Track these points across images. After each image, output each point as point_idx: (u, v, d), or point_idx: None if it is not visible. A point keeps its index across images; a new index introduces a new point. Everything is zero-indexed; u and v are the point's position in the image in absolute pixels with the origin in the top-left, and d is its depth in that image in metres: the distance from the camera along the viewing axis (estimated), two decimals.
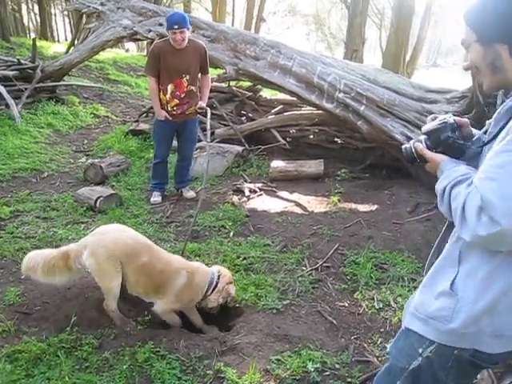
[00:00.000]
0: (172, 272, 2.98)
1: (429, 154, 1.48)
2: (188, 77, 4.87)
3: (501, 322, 1.35)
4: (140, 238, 3.11)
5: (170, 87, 4.86)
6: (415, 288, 3.48)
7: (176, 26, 4.61)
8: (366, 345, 2.91)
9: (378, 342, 2.94)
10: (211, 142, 6.75)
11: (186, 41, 4.75)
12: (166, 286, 2.95)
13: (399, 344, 1.57)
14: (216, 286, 3.01)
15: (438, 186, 1.40)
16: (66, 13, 24.48)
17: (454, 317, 1.37)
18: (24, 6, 25.18)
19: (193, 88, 4.96)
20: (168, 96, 4.90)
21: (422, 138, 1.53)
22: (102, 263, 2.89)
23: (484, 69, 1.37)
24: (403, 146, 1.60)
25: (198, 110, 5.11)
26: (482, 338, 1.37)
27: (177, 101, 4.93)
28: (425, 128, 1.53)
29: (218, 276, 3.05)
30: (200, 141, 6.51)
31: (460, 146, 1.45)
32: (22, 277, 3.55)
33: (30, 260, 2.98)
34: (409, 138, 5.20)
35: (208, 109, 4.97)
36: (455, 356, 1.41)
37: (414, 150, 1.53)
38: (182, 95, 4.92)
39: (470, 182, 1.28)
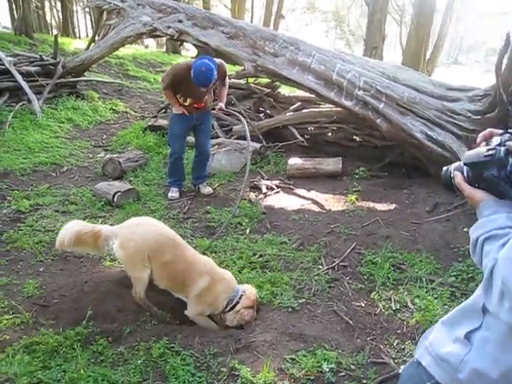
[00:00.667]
0: (195, 273, 3.00)
1: (467, 190, 1.27)
2: (207, 97, 5.08)
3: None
4: (168, 235, 3.15)
5: (188, 100, 5.02)
6: (433, 289, 3.43)
7: (203, 88, 4.74)
8: (382, 346, 2.87)
9: (395, 344, 2.90)
10: (229, 138, 6.76)
11: None
12: (190, 286, 2.98)
13: (410, 370, 1.49)
14: (235, 305, 3.00)
15: (472, 234, 1.23)
16: (87, 10, 24.73)
17: (461, 367, 1.24)
18: (47, 4, 25.52)
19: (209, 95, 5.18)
20: (186, 104, 5.05)
21: (465, 167, 1.28)
22: (131, 256, 3.01)
23: None
24: (443, 168, 1.38)
25: (219, 112, 5.16)
26: None
27: (195, 105, 5.09)
28: (466, 157, 1.27)
29: (241, 296, 3.03)
30: (218, 137, 6.52)
31: (506, 189, 1.17)
32: (41, 269, 3.62)
33: (64, 235, 3.09)
34: (429, 137, 5.12)
35: (244, 120, 5.17)
36: None
37: (452, 177, 1.32)
38: (200, 106, 5.13)
39: (505, 241, 1.10)
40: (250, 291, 3.11)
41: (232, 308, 3.01)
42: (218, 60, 4.87)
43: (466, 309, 1.32)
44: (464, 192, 1.29)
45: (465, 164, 1.26)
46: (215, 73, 4.58)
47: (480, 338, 1.22)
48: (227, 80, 5.25)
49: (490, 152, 1.17)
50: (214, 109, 5.34)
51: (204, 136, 5.33)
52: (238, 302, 3.01)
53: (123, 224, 3.25)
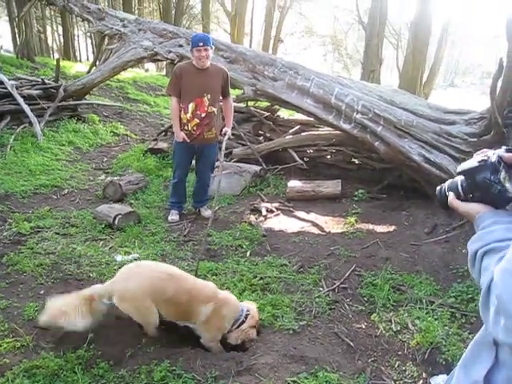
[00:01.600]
0: (199, 301, 2.99)
1: (461, 206, 1.24)
2: (209, 96, 4.93)
3: None
4: (163, 272, 3.07)
5: (190, 106, 4.92)
6: (433, 310, 3.44)
7: (201, 43, 4.74)
8: (383, 368, 2.87)
9: (396, 365, 2.90)
10: (229, 161, 6.82)
11: (209, 60, 4.86)
12: (195, 314, 2.96)
13: None
14: (241, 324, 3.03)
15: (469, 247, 1.17)
16: (88, 34, 25.15)
17: None
18: (49, 28, 25.94)
19: (214, 110, 5.01)
20: (189, 115, 4.94)
21: (459, 179, 1.27)
22: (134, 305, 2.94)
23: None
24: (437, 188, 1.36)
25: (225, 138, 5.06)
26: None
27: (197, 120, 4.96)
28: (461, 166, 1.26)
29: (246, 315, 3.06)
30: (218, 160, 6.57)
31: (501, 192, 1.14)
32: (41, 292, 3.61)
33: (49, 309, 2.95)
34: (426, 159, 5.18)
35: (229, 130, 5.06)
36: None
37: (446, 195, 1.30)
38: (203, 115, 4.95)
39: (503, 255, 1.03)
40: (253, 310, 3.14)
41: (238, 326, 3.02)
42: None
43: (478, 343, 1.20)
44: (458, 210, 1.26)
45: (459, 173, 1.26)
46: (212, 41, 4.92)
47: (499, 377, 1.08)
48: (231, 100, 5.29)
49: (483, 158, 1.19)
50: (220, 141, 5.33)
51: (205, 166, 5.35)
52: (243, 322, 3.02)
53: (114, 279, 3.11)
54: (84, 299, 2.98)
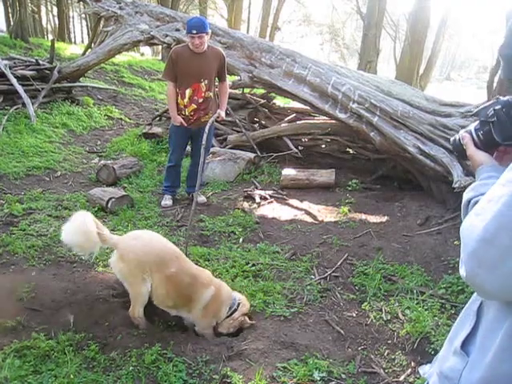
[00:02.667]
0: (200, 286, 2.98)
1: (471, 149, 1.28)
2: (206, 81, 4.89)
3: None
4: (169, 248, 3.08)
5: (188, 91, 4.89)
6: (423, 301, 3.47)
7: (194, 31, 4.64)
8: (372, 356, 2.90)
9: (385, 354, 2.93)
10: (224, 147, 6.80)
11: (205, 45, 4.79)
12: (195, 300, 2.95)
13: None
14: (234, 312, 3.03)
15: (464, 196, 1.22)
16: (83, 15, 24.82)
17: (460, 382, 1.15)
18: (43, 8, 25.54)
19: (210, 94, 4.98)
20: (186, 100, 4.92)
21: (472, 126, 1.30)
22: (132, 270, 2.90)
23: None
24: (451, 139, 1.39)
25: (218, 120, 5.10)
26: None
27: (194, 106, 4.94)
28: (477, 109, 1.29)
29: (238, 304, 3.07)
30: (213, 146, 6.55)
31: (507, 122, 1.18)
32: (33, 274, 3.60)
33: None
34: (421, 151, 5.19)
35: (222, 112, 5.01)
36: None
37: (460, 139, 1.33)
38: (200, 100, 4.93)
39: None
40: (243, 299, 3.15)
41: (230, 315, 3.03)
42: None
43: (463, 315, 1.26)
44: (468, 150, 1.30)
45: (474, 114, 1.30)
46: (208, 25, 4.79)
47: (477, 347, 1.13)
48: (227, 84, 5.25)
49: (496, 98, 1.24)
50: (216, 121, 5.32)
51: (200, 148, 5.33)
52: (235, 310, 3.03)
53: (122, 236, 3.14)
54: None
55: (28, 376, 2.51)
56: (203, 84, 4.89)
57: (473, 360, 1.13)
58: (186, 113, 4.97)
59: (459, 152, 1.36)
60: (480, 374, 1.09)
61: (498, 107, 1.22)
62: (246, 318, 3.08)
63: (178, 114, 4.97)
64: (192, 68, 4.81)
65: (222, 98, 5.18)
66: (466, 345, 1.16)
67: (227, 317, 3.03)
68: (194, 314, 3.00)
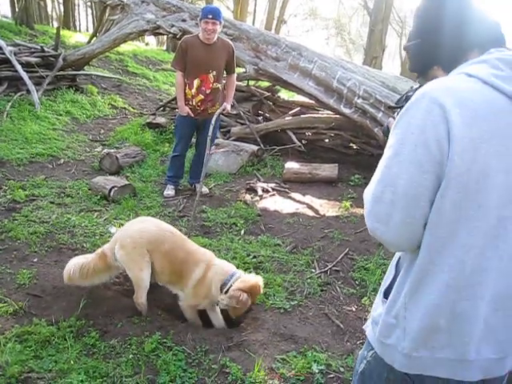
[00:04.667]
0: (192, 263, 2.98)
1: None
2: (214, 73, 4.90)
3: (409, 340, 1.21)
4: (164, 226, 3.16)
5: (196, 82, 4.90)
6: None
7: (210, 16, 4.66)
8: None
9: None
10: (227, 139, 6.80)
11: (216, 35, 4.79)
12: (187, 277, 2.96)
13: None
14: (229, 288, 2.89)
15: None
16: (89, 4, 24.69)
17: (380, 323, 1.29)
18: None
19: (219, 86, 5.00)
20: (194, 91, 4.93)
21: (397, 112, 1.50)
22: (130, 253, 2.96)
23: None
24: (382, 127, 1.59)
25: (224, 113, 5.11)
26: (394, 354, 1.24)
27: (202, 96, 4.95)
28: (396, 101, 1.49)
29: (236, 279, 2.91)
30: (217, 138, 6.53)
31: None
32: (35, 260, 3.62)
33: (69, 271, 3.08)
34: None
35: (228, 106, 5.00)
36: (388, 367, 1.27)
37: (389, 127, 1.49)
38: (208, 91, 4.94)
39: None
40: (249, 278, 2.97)
41: (226, 292, 2.88)
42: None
43: (388, 269, 1.40)
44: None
45: (390, 107, 1.48)
46: (222, 17, 4.83)
47: (392, 295, 1.26)
48: (235, 77, 5.26)
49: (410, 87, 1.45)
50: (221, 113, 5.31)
51: (206, 139, 5.32)
52: (231, 286, 2.87)
53: (121, 228, 3.26)
54: (99, 256, 3.07)
55: (28, 360, 2.52)
56: (211, 75, 4.89)
57: (388, 305, 1.26)
58: (194, 103, 4.98)
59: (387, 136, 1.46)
60: (393, 315, 1.24)
61: (410, 94, 1.40)
62: (243, 295, 2.81)
63: (186, 105, 4.98)
64: (201, 58, 4.81)
65: (228, 91, 5.18)
66: (387, 294, 1.30)
67: (225, 292, 2.88)
68: (185, 292, 2.99)
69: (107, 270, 3.10)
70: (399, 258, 1.33)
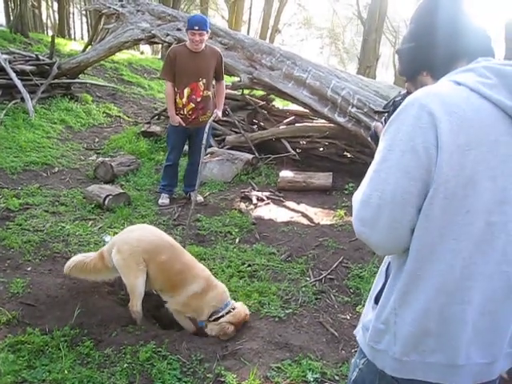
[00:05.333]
0: (191, 276, 3.00)
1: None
2: (204, 80, 4.93)
3: (399, 345, 1.22)
4: (163, 237, 3.17)
5: (186, 91, 4.91)
6: None
7: (196, 27, 4.68)
8: None
9: None
10: (222, 148, 6.82)
11: (204, 44, 4.82)
12: (181, 287, 2.97)
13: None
14: (220, 317, 2.95)
15: None
16: (83, 12, 24.78)
17: (370, 330, 1.30)
18: (43, 3, 25.49)
19: (209, 93, 5.02)
20: (184, 100, 4.94)
21: (384, 117, 1.52)
22: (126, 259, 2.97)
23: None
24: (369, 132, 1.57)
25: (215, 120, 5.13)
26: (385, 359, 1.25)
27: (193, 105, 4.97)
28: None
29: (229, 311, 2.96)
30: (211, 146, 6.56)
31: None
32: (29, 269, 3.60)
33: (72, 262, 3.18)
34: None
35: (219, 113, 5.03)
36: (380, 374, 1.28)
37: (375, 131, 1.51)
38: (198, 99, 4.96)
39: None
40: (241, 308, 3.04)
41: (216, 319, 2.95)
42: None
43: (377, 276, 1.42)
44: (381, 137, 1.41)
45: (377, 112, 1.49)
46: (209, 24, 4.85)
47: (381, 301, 1.27)
48: (224, 84, 5.28)
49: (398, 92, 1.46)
50: (214, 121, 5.33)
51: (199, 148, 5.34)
52: (223, 316, 2.94)
53: (120, 232, 3.29)
54: (98, 256, 3.12)
55: (22, 370, 2.51)
56: (201, 83, 4.92)
57: (378, 310, 1.27)
58: (185, 112, 4.99)
59: (376, 140, 1.44)
60: (383, 321, 1.24)
61: (398, 99, 1.46)
62: (230, 329, 2.93)
63: (177, 114, 5.00)
64: (190, 67, 4.83)
65: (218, 98, 5.20)
66: (377, 299, 1.31)
67: (214, 320, 2.96)
68: (176, 299, 3.00)
69: (105, 270, 3.14)
70: (389, 264, 1.34)
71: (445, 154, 1.07)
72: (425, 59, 1.30)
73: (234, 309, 3.01)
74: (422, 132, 1.10)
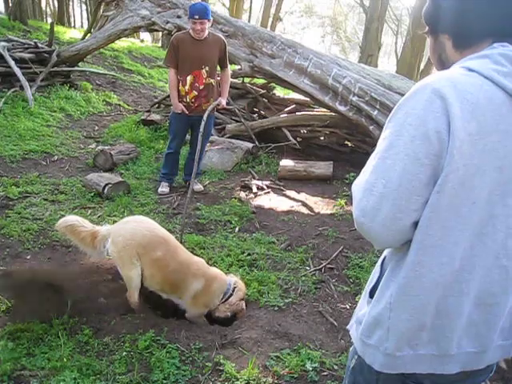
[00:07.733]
0: (189, 275, 2.98)
1: None
2: (207, 68, 4.88)
3: (392, 340, 1.20)
4: (159, 232, 3.09)
5: (189, 78, 4.88)
6: None
7: (197, 16, 4.63)
8: None
9: None
10: (222, 137, 6.78)
11: (206, 32, 4.77)
12: (183, 288, 2.97)
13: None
14: (229, 297, 3.02)
15: None
16: (83, 0, 24.57)
17: (363, 324, 1.28)
18: None
19: (212, 81, 4.97)
20: (187, 87, 4.90)
21: None
22: (120, 251, 2.95)
23: (436, 64, 1.33)
24: None
25: (219, 108, 5.09)
26: (375, 355, 1.23)
27: (195, 93, 4.93)
28: None
29: (234, 288, 3.05)
30: (212, 135, 6.52)
31: None
32: (28, 257, 3.60)
33: (68, 221, 3.08)
34: None
35: (223, 100, 4.99)
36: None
37: None
38: (201, 87, 4.92)
39: None
40: (239, 283, 3.14)
41: (226, 300, 3.02)
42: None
43: (373, 271, 1.39)
44: None
45: None
46: (210, 14, 4.76)
47: (376, 295, 1.24)
48: (229, 71, 5.23)
49: None
50: (217, 110, 5.28)
51: (201, 137, 5.31)
52: (231, 295, 3.02)
53: (116, 223, 3.24)
54: (91, 232, 3.04)
55: (21, 358, 2.51)
56: (204, 71, 4.87)
57: (372, 305, 1.25)
58: (187, 100, 4.95)
59: None
60: (376, 315, 1.22)
61: None
62: (243, 304, 3.07)
63: (179, 101, 4.96)
64: (193, 54, 4.79)
65: (223, 86, 5.16)
66: (372, 293, 1.28)
67: (224, 301, 3.02)
68: (184, 300, 3.02)
69: (91, 248, 3.08)
70: (384, 258, 1.32)
71: (457, 140, 1.03)
72: (450, 23, 1.23)
73: (235, 284, 3.09)
74: (434, 116, 1.05)
